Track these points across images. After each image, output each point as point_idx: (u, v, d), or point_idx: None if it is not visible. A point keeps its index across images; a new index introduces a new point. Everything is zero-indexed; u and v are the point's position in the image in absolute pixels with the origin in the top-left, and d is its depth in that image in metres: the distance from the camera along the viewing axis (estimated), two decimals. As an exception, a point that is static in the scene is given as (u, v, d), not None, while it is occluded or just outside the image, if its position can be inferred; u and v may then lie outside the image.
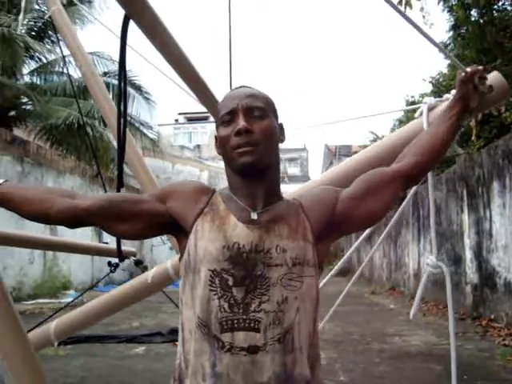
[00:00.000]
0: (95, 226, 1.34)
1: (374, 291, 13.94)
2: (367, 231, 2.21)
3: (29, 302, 10.49)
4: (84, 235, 11.95)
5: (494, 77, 1.71)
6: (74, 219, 1.28)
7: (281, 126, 1.33)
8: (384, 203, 1.32)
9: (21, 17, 8.19)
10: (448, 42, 12.12)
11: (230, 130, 1.22)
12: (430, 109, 2.00)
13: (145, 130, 17.17)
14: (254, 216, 1.21)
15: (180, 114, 31.84)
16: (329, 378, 4.86)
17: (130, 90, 15.89)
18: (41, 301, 10.91)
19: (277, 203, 1.26)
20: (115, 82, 15.05)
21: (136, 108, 16.48)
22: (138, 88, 16.33)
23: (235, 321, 1.13)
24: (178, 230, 1.26)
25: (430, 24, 7.57)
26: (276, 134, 1.28)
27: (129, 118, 15.43)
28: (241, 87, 1.32)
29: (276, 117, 1.32)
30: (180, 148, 30.19)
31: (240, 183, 1.25)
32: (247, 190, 1.24)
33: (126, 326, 8.19)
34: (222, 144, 1.25)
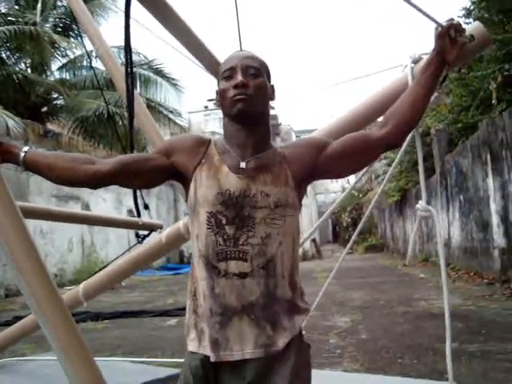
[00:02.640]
0: (113, 185, 1.56)
1: (407, 263, 13.94)
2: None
3: (70, 288, 10.97)
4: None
5: (475, 26, 1.84)
6: (97, 181, 1.53)
7: (272, 86, 1.54)
8: (361, 163, 1.57)
9: (39, 5, 8.43)
10: (472, 8, 11.97)
11: (229, 83, 1.43)
12: (415, 62, 2.13)
13: (174, 117, 17.36)
14: (243, 165, 1.42)
15: (209, 100, 32.06)
16: (351, 336, 5.06)
17: (157, 78, 16.09)
18: (82, 285, 11.38)
19: (265, 152, 1.46)
20: (141, 70, 15.41)
21: (164, 95, 16.45)
22: (165, 76, 16.39)
23: (228, 252, 1.37)
24: (182, 178, 1.50)
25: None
26: (267, 90, 1.49)
27: (158, 106, 15.73)
28: (242, 50, 1.56)
29: (269, 78, 1.52)
30: (211, 134, 30.53)
31: (234, 131, 1.46)
32: (239, 139, 1.45)
33: (161, 303, 8.56)
34: (221, 95, 1.46)
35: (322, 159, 1.47)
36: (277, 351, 1.38)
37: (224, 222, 1.38)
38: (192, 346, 1.44)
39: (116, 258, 4.94)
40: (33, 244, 1.89)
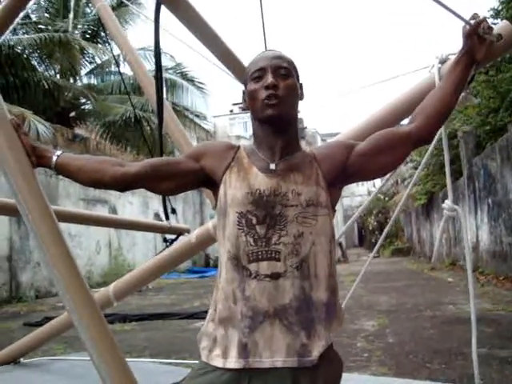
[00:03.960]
0: (141, 188, 1.57)
1: (433, 267, 13.78)
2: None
3: (97, 290, 11.13)
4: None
5: (502, 25, 1.82)
6: (125, 183, 1.55)
7: (301, 85, 1.51)
8: (392, 161, 1.49)
9: (71, 15, 8.63)
10: (500, 8, 11.82)
11: (260, 84, 1.40)
12: (442, 63, 2.12)
13: (199, 121, 17.45)
14: (272, 166, 1.41)
15: (234, 104, 32.24)
16: (378, 340, 5.02)
17: (182, 82, 16.21)
18: (109, 287, 11.56)
19: (294, 154, 1.44)
20: (168, 75, 15.52)
21: (191, 99, 16.54)
22: (191, 80, 16.46)
23: (259, 253, 1.33)
24: (211, 183, 1.48)
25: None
26: (297, 91, 1.46)
27: (183, 110, 15.84)
28: (270, 50, 1.53)
29: (298, 77, 1.49)
30: (236, 138, 30.69)
31: (264, 135, 1.44)
32: (268, 143, 1.43)
33: (187, 305, 8.62)
34: (251, 97, 1.43)
35: (352, 158, 1.45)
36: (311, 361, 1.30)
37: (254, 221, 1.35)
38: (203, 356, 1.39)
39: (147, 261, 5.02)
40: (67, 246, 1.96)
